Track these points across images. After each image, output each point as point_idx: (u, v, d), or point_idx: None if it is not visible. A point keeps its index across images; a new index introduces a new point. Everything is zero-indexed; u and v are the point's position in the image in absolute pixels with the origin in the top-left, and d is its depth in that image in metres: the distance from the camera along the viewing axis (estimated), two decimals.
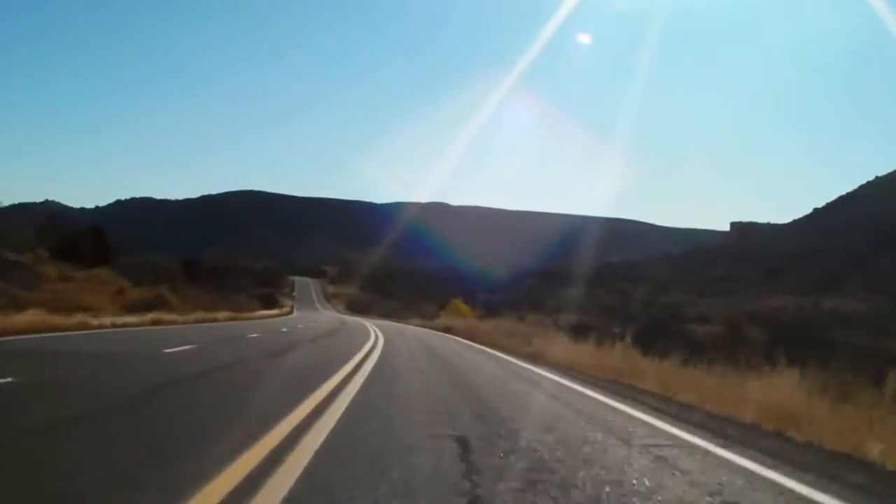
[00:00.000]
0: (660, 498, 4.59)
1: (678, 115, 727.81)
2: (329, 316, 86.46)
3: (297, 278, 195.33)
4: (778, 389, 8.93)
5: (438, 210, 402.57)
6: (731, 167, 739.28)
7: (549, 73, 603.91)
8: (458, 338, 32.32)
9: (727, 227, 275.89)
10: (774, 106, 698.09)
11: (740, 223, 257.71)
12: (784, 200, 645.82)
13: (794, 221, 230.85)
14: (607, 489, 4.72)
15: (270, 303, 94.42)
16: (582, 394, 11.17)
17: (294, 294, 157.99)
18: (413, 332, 42.06)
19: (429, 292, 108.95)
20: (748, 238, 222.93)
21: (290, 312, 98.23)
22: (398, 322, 69.89)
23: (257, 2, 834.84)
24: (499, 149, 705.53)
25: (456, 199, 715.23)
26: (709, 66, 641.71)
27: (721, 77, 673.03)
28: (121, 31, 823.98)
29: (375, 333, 31.28)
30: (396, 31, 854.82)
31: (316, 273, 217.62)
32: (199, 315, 35.48)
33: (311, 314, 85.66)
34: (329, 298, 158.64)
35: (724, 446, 6.68)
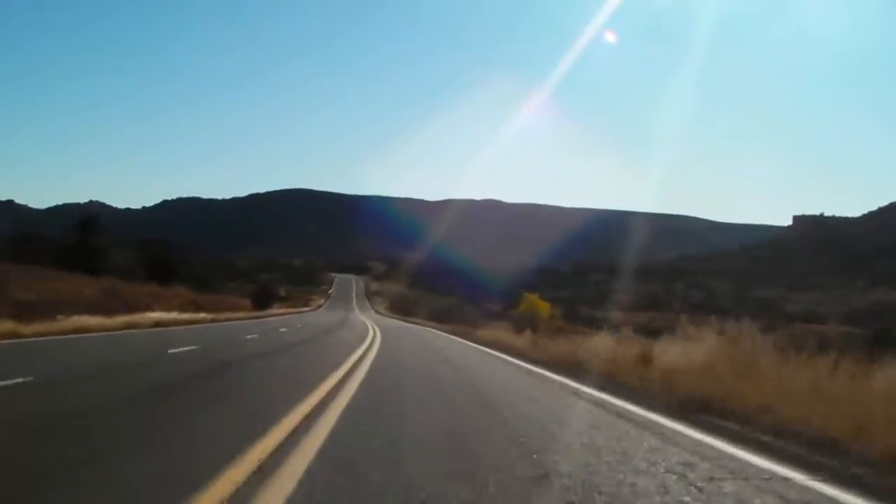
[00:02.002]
0: None
1: (726, 107, 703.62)
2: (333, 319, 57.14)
3: (339, 275, 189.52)
4: None
5: (490, 207, 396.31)
6: (786, 161, 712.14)
7: (594, 71, 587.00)
8: None
9: (785, 222, 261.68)
10: (829, 97, 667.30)
11: (805, 216, 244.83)
12: (848, 193, 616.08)
13: (880, 210, 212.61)
14: None
15: (264, 302, 72.42)
16: None
17: (331, 292, 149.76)
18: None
19: (487, 288, 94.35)
20: (823, 231, 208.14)
21: (314, 310, 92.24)
22: (457, 334, 34.64)
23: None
24: (548, 146, 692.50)
25: (508, 195, 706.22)
26: (759, 54, 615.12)
27: (773, 65, 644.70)
28: (165, 31, 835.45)
29: None
30: (441, 29, 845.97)
31: (361, 270, 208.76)
32: None
33: (322, 317, 64.34)
34: (370, 296, 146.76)
35: None
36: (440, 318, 56.76)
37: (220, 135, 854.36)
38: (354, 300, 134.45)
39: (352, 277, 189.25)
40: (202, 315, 35.34)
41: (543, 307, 48.91)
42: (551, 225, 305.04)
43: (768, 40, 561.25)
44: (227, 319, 39.52)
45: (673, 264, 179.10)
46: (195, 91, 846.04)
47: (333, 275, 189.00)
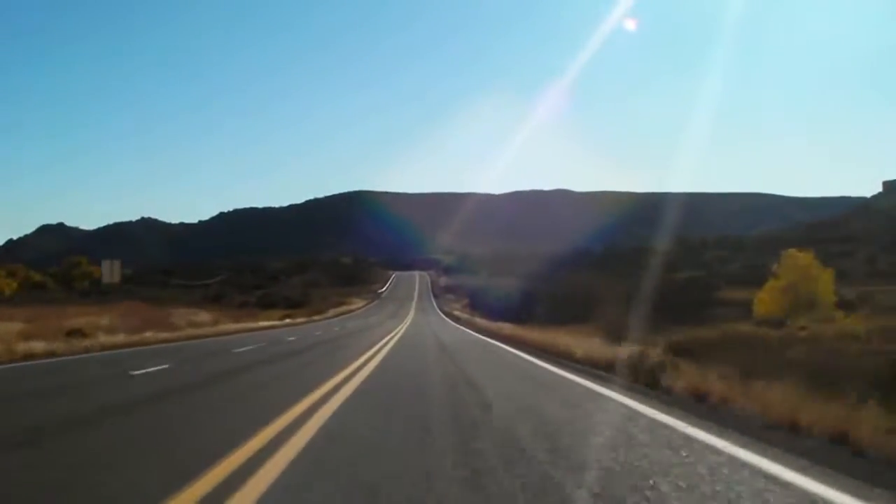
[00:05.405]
0: None
1: (784, 76, 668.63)
2: None
3: (400, 273, 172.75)
4: None
5: (560, 195, 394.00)
6: (864, 128, 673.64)
7: (634, 54, 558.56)
8: None
9: (867, 191, 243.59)
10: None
11: None
12: None
13: None
14: None
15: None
16: None
17: (382, 291, 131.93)
18: None
19: (598, 278, 71.12)
20: None
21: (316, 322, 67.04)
22: None
23: None
24: (615, 134, 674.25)
25: (576, 184, 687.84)
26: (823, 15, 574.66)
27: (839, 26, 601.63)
28: (219, 41, 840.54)
29: None
30: (492, 25, 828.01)
31: (427, 265, 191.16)
32: None
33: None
34: (438, 294, 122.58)
35: None
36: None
37: (272, 145, 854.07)
38: (414, 301, 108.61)
39: (415, 274, 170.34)
40: None
41: (825, 278, 28.13)
42: (618, 210, 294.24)
43: None
44: None
45: (789, 233, 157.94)
46: (243, 104, 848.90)
47: (392, 272, 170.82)
